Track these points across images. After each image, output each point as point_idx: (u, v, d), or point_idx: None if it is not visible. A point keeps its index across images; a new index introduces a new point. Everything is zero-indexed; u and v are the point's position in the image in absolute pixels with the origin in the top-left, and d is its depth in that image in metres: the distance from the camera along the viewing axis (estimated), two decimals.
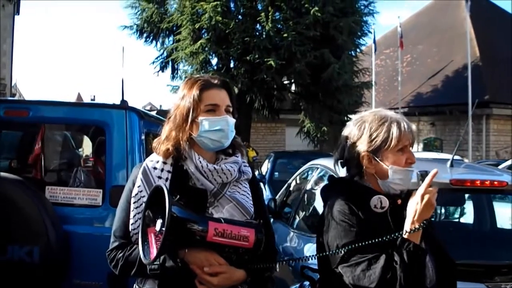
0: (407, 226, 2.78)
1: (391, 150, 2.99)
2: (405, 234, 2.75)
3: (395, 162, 2.99)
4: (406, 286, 2.66)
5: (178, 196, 2.71)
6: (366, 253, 2.77)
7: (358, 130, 3.11)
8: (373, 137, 3.03)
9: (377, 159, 3.02)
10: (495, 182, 4.84)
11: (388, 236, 2.73)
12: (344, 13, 24.19)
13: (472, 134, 30.66)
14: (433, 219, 4.54)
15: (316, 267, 3.33)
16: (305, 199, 6.93)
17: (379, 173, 3.04)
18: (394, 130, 2.99)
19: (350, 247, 2.78)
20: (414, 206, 2.77)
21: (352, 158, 3.12)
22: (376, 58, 37.12)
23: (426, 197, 2.74)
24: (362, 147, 3.06)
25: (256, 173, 18.15)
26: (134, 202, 2.96)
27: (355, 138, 3.10)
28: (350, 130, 3.17)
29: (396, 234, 2.76)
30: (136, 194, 2.96)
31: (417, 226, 2.74)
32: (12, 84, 39.79)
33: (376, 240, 2.72)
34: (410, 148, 3.06)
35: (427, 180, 2.77)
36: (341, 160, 3.24)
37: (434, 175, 2.78)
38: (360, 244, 2.75)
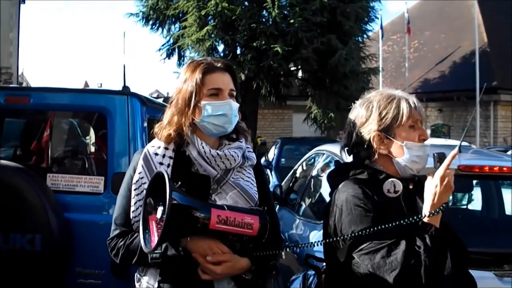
0: (426, 210, 2.69)
1: (402, 127, 2.92)
2: (424, 218, 2.67)
3: (408, 139, 2.91)
4: (432, 271, 2.57)
5: (179, 183, 2.65)
6: (383, 239, 2.67)
7: (366, 110, 3.03)
8: (383, 114, 2.95)
9: (390, 137, 2.94)
10: (504, 168, 4.77)
11: (406, 220, 2.63)
12: None
13: (479, 120, 30.60)
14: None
15: (321, 255, 3.26)
16: (311, 186, 6.89)
17: (393, 152, 2.95)
18: (404, 106, 2.92)
19: (365, 232, 2.67)
20: (433, 189, 2.68)
21: (362, 140, 3.03)
22: (383, 44, 37.03)
23: (446, 179, 2.65)
24: (372, 126, 2.97)
25: (263, 159, 18.25)
26: (135, 189, 2.92)
27: (364, 119, 3.02)
28: (357, 111, 3.09)
29: (415, 217, 2.66)
30: (137, 181, 2.92)
31: (437, 209, 2.66)
32: (19, 73, 39.78)
33: (395, 223, 2.62)
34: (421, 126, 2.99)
35: (447, 161, 2.68)
36: (347, 148, 3.15)
37: (454, 156, 2.69)
38: (376, 228, 2.64)
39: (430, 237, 2.62)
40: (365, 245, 2.71)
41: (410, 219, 2.65)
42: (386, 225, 2.63)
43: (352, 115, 3.13)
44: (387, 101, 2.96)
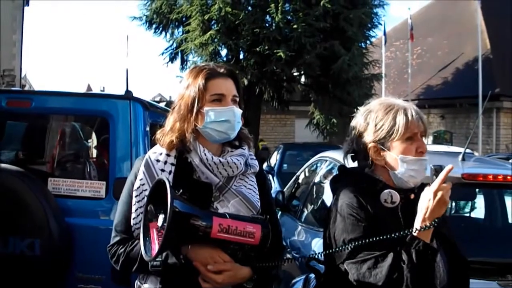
0: (417, 224, 2.65)
1: (398, 139, 2.87)
2: (415, 232, 2.63)
3: (404, 152, 2.87)
4: (414, 286, 2.55)
5: (181, 190, 2.62)
6: (374, 250, 2.67)
7: (364, 120, 3.01)
8: (378, 126, 2.92)
9: (385, 150, 2.91)
10: (508, 177, 4.73)
11: (396, 234, 2.62)
12: (354, 5, 24.15)
13: (482, 128, 30.51)
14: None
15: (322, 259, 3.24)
16: (313, 192, 6.86)
17: (389, 165, 2.92)
18: (401, 118, 2.87)
19: (357, 243, 2.67)
20: (426, 203, 2.63)
21: (360, 150, 3.02)
22: (386, 50, 37.04)
23: (439, 193, 2.59)
24: (369, 137, 2.96)
25: (265, 165, 18.22)
26: (136, 196, 2.89)
27: (362, 129, 3.01)
28: (357, 120, 3.08)
29: (406, 231, 2.64)
30: (138, 188, 2.89)
31: (428, 224, 2.61)
32: (22, 76, 39.81)
33: (384, 237, 2.61)
34: (422, 138, 2.93)
35: (442, 175, 2.62)
36: (352, 154, 3.14)
37: (449, 170, 2.62)
38: (367, 240, 2.65)
39: (416, 252, 2.59)
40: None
41: (401, 233, 2.64)
42: (376, 238, 2.63)
43: (353, 123, 3.12)
44: (384, 112, 2.94)
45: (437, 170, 2.68)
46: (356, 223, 2.77)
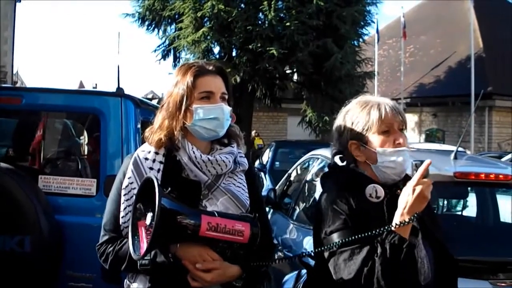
0: (396, 219, 2.67)
1: (375, 133, 2.92)
2: (394, 227, 2.64)
3: (382, 144, 2.91)
4: (384, 281, 2.56)
5: (169, 188, 2.60)
6: (354, 245, 2.70)
7: (343, 119, 3.08)
8: (354, 123, 2.99)
9: (364, 145, 2.95)
10: (500, 176, 4.74)
11: (377, 230, 2.64)
12: (347, 3, 24.13)
13: (474, 126, 30.53)
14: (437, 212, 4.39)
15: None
16: (305, 190, 6.86)
17: (369, 159, 2.96)
18: (374, 112, 2.93)
19: (342, 241, 2.70)
20: (405, 198, 2.66)
21: (343, 148, 3.08)
22: (379, 48, 37.06)
23: (418, 188, 2.61)
24: (347, 135, 3.02)
25: (257, 162, 18.21)
26: (124, 194, 2.88)
27: (342, 128, 3.07)
28: (337, 121, 3.15)
29: (385, 227, 2.65)
30: (126, 186, 2.89)
31: (406, 219, 2.62)
32: (14, 72, 39.66)
33: (364, 234, 2.64)
34: (401, 131, 2.97)
35: (420, 170, 2.65)
36: (340, 155, 3.15)
37: (427, 165, 2.66)
38: (347, 239, 2.68)
39: (390, 246, 2.60)
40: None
41: (381, 229, 2.66)
42: (356, 236, 2.66)
43: (334, 124, 3.19)
44: (359, 109, 3.01)
45: (417, 165, 2.71)
46: (336, 215, 2.80)
